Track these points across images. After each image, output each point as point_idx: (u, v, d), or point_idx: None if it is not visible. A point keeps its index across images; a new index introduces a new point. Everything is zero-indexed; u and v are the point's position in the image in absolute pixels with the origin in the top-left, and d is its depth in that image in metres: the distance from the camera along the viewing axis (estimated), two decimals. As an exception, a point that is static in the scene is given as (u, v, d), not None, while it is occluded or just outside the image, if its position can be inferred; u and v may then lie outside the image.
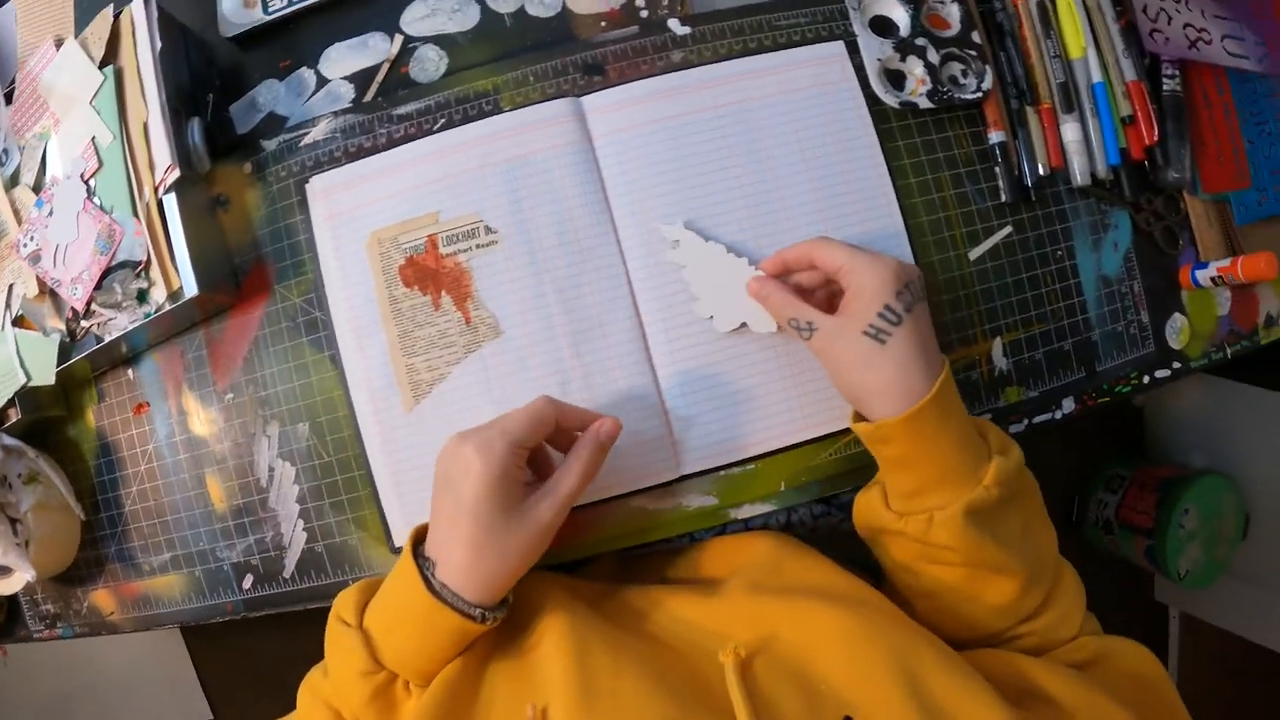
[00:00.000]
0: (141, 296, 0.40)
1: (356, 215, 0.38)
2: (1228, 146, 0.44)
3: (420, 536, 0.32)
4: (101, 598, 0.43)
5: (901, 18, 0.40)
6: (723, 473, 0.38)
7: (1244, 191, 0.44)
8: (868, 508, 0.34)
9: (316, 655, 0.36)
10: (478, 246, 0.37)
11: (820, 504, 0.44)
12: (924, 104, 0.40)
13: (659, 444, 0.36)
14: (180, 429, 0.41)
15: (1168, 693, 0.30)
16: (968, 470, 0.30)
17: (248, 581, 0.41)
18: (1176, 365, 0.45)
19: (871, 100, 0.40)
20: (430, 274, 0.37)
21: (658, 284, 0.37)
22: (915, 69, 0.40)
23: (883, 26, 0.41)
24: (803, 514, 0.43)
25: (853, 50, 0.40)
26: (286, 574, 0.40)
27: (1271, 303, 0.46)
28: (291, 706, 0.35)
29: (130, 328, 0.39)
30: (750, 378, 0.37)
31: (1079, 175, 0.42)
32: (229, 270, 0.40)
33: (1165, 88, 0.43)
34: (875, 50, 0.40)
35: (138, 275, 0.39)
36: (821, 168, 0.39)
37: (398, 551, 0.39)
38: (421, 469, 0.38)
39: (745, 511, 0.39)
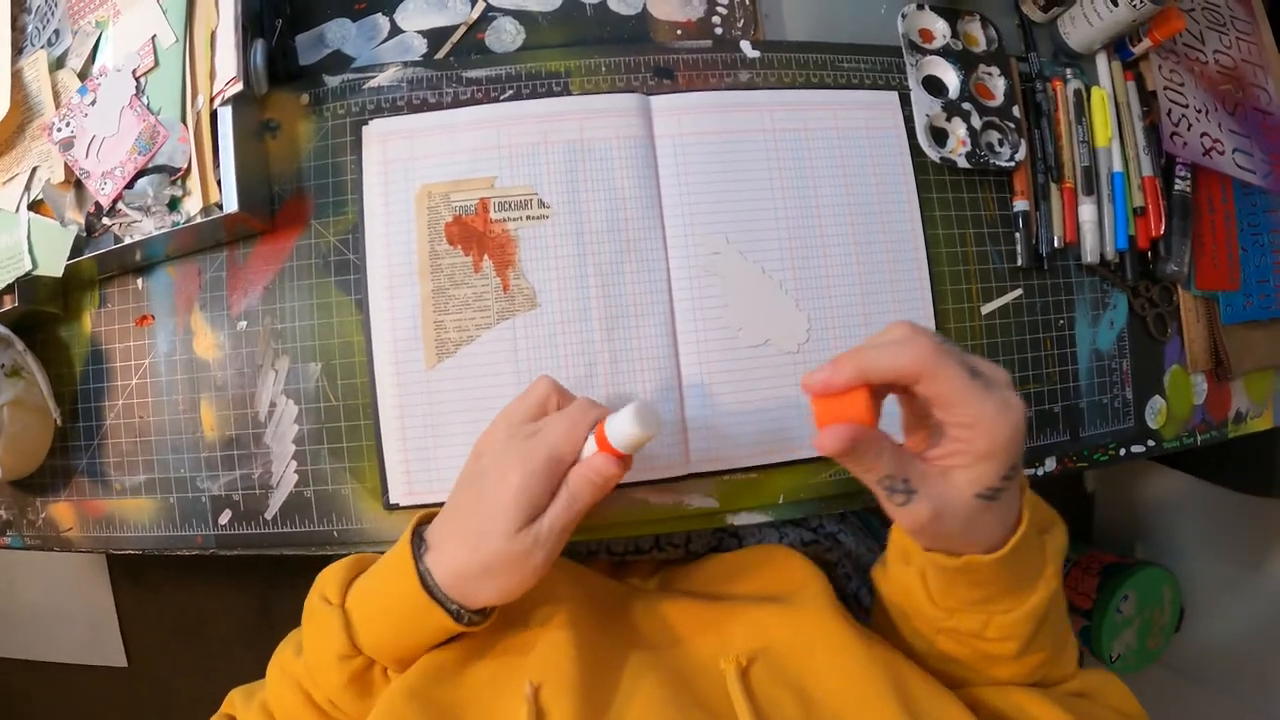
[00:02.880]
0: (173, 204, 0.40)
1: (411, 166, 0.40)
2: (1223, 250, 0.50)
3: (423, 522, 0.33)
4: (61, 511, 0.43)
5: (952, 81, 0.45)
6: (726, 477, 0.41)
7: (1232, 294, 0.50)
8: (904, 591, 0.31)
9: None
10: (528, 218, 0.39)
11: (809, 531, 0.47)
12: (962, 163, 0.44)
13: (672, 439, 0.39)
14: (183, 348, 0.42)
15: None
16: (1034, 573, 0.29)
17: (225, 517, 0.41)
18: (1151, 443, 0.50)
19: (914, 151, 0.44)
20: (476, 236, 0.39)
21: (695, 287, 0.40)
22: (958, 130, 0.45)
23: (934, 86, 0.45)
24: (792, 539, 0.45)
25: (904, 102, 0.44)
26: (269, 515, 0.41)
27: (1243, 400, 0.52)
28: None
29: (155, 233, 0.40)
30: (768, 390, 0.40)
31: (1089, 253, 0.47)
32: (267, 196, 0.41)
33: (1176, 187, 0.49)
34: (925, 106, 0.44)
35: (173, 182, 0.40)
36: (861, 204, 0.42)
37: (391, 508, 0.40)
38: (431, 429, 0.39)
39: (742, 519, 0.42)
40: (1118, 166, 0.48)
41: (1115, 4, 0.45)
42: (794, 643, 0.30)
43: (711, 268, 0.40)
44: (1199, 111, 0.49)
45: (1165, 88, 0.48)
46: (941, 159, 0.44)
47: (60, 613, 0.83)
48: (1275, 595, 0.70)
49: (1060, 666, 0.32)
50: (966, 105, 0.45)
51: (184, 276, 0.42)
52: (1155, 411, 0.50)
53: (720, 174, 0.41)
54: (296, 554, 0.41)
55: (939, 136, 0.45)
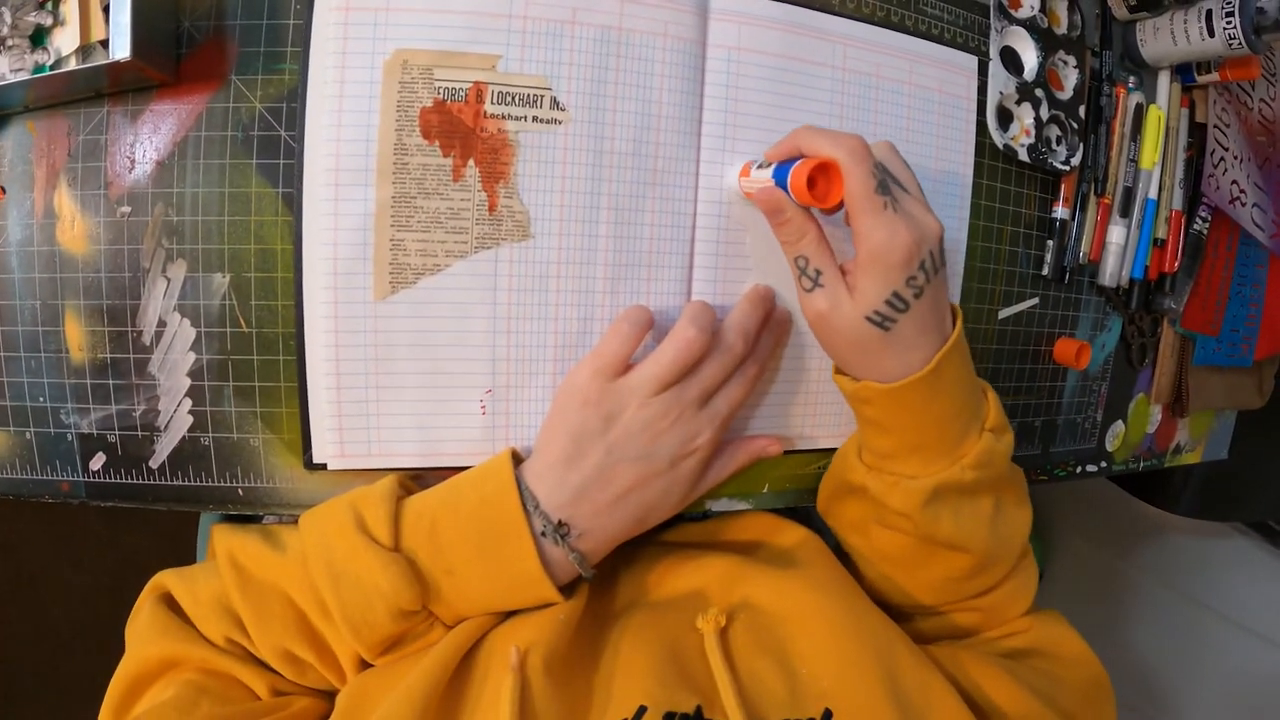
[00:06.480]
0: (38, 37, 0.21)
1: (385, 20, 0.22)
2: (1213, 295, 0.39)
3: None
4: None
5: (1031, 60, 0.30)
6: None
7: (1208, 337, 0.39)
8: (840, 456, 0.26)
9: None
10: (536, 119, 0.22)
11: (789, 508, 0.34)
12: (1022, 155, 0.30)
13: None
14: (43, 237, 0.23)
15: (1108, 703, 0.25)
16: (948, 446, 0.23)
17: (98, 461, 0.24)
18: (1103, 464, 0.39)
19: (979, 128, 0.29)
20: (463, 132, 0.22)
21: (723, 242, 0.25)
22: (1026, 117, 0.30)
23: (1010, 60, 0.30)
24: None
25: (981, 70, 0.29)
26: (154, 463, 0.24)
27: (1184, 435, 0.42)
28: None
29: (10, 79, 0.21)
30: (778, 373, 0.26)
31: (1109, 277, 0.34)
32: (172, 34, 0.22)
33: (1195, 226, 0.36)
34: (1001, 82, 0.29)
35: (41, 5, 0.21)
36: (918, 176, 0.28)
37: (314, 468, 0.23)
38: (375, 376, 0.23)
39: (722, 504, 0.28)
40: (1152, 193, 0.35)
41: (1210, 34, 0.30)
42: (778, 609, 0.23)
43: (745, 220, 0.25)
44: (1236, 158, 0.36)
45: (1214, 125, 0.35)
46: (1005, 146, 0.29)
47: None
48: (1131, 585, 0.64)
49: (1001, 597, 0.26)
50: (1039, 91, 0.30)
51: (48, 135, 0.23)
52: (1114, 435, 0.39)
53: (775, 107, 0.25)
54: (189, 511, 0.25)
55: (1004, 119, 0.30)
